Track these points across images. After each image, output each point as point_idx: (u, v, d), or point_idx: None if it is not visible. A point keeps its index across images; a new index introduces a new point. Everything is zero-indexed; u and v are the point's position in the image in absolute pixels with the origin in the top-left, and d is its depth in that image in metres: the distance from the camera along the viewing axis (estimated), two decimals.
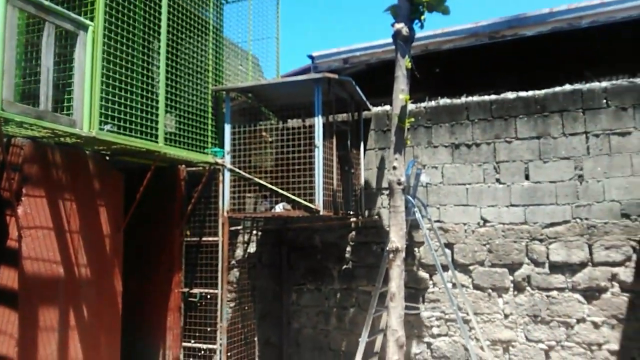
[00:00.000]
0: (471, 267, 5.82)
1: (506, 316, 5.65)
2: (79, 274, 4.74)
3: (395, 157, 4.80)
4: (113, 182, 5.20)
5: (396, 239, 4.72)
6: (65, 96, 4.35)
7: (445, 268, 5.69)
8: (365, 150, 6.47)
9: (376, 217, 6.33)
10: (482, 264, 5.78)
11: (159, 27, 5.14)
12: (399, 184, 4.79)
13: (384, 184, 6.30)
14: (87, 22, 4.34)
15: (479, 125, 5.94)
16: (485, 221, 5.80)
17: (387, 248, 4.77)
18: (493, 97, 5.94)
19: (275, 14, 7.21)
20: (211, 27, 6.07)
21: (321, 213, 5.25)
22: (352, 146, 6.14)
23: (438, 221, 5.99)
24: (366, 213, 6.34)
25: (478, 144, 5.93)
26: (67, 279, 4.64)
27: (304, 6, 30.88)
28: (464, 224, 5.89)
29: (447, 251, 5.87)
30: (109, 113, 4.49)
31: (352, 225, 6.42)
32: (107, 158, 5.25)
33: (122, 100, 4.64)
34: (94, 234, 4.93)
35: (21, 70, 4.56)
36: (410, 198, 5.29)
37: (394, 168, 4.79)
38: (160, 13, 5.13)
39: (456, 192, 5.96)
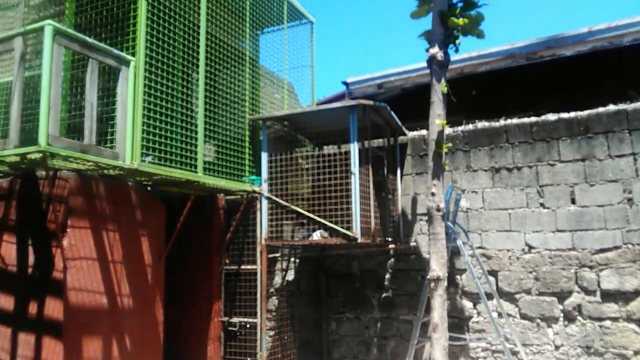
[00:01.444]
0: (517, 296, 5.59)
1: (557, 347, 5.38)
2: (121, 303, 4.79)
3: (434, 183, 4.72)
4: (155, 212, 5.28)
5: (437, 267, 4.61)
6: (109, 129, 4.47)
7: (489, 296, 5.49)
8: (402, 175, 6.39)
9: (414, 243, 6.20)
10: (528, 292, 5.55)
11: (198, 59, 5.27)
12: (438, 210, 4.69)
13: (422, 210, 6.19)
14: (129, 57, 4.48)
15: (520, 148, 5.78)
16: (530, 247, 5.59)
17: (428, 277, 4.65)
18: (533, 119, 5.79)
19: (309, 42, 7.31)
20: (247, 57, 6.18)
21: (359, 241, 5.19)
22: (389, 172, 6.08)
23: (480, 247, 5.81)
24: (405, 240, 6.22)
25: (519, 167, 5.77)
26: (110, 309, 4.70)
27: (338, 33, 31.31)
28: (508, 250, 5.69)
29: (491, 279, 5.68)
30: (150, 145, 4.59)
31: (391, 252, 6.31)
32: (149, 188, 5.35)
33: (163, 132, 4.74)
34: (136, 263, 4.99)
35: (66, 104, 4.72)
36: (450, 224, 5.17)
37: (433, 194, 4.70)
38: (198, 46, 5.27)
39: (498, 217, 5.79)
